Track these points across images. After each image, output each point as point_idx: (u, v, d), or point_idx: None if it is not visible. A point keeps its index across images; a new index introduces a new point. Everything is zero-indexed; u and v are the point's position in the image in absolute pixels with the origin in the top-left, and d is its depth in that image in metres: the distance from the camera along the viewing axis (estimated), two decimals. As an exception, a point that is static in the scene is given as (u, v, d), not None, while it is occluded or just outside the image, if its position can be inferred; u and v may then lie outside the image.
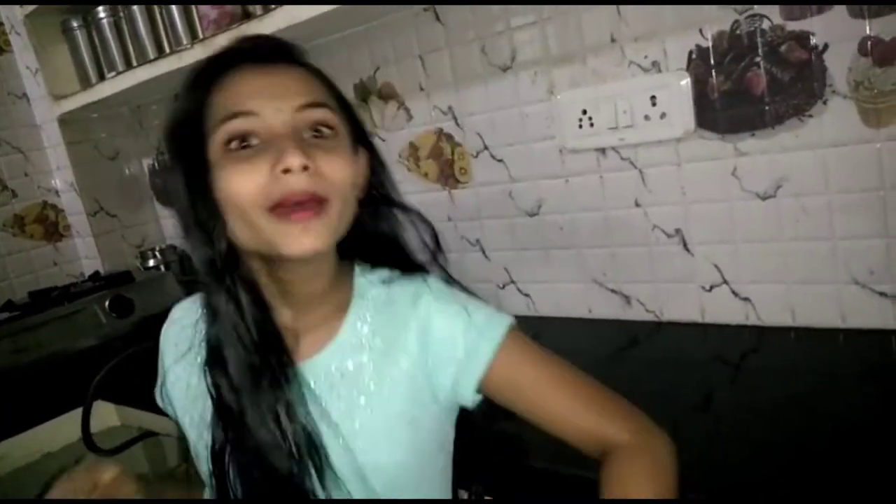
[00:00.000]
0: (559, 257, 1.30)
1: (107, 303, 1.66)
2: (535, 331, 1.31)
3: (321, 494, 0.67)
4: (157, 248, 2.01)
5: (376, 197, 0.74)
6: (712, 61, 1.05)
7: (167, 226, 2.15)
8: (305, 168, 0.61)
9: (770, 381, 0.95)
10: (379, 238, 0.75)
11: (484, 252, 1.41)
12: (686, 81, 1.07)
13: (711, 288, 1.14)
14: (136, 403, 1.41)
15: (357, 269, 0.75)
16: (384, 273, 0.74)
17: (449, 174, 1.41)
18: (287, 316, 0.71)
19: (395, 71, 1.41)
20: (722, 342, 1.10)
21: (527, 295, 1.37)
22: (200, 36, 1.42)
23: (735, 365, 1.03)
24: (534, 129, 1.25)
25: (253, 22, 1.27)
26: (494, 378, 0.68)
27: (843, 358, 0.99)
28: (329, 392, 0.69)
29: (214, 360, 0.70)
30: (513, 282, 1.39)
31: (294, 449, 0.66)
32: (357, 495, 0.68)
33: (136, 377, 1.41)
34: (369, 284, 0.73)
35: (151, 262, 1.98)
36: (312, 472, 0.66)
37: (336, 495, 0.68)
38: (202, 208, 0.65)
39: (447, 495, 0.77)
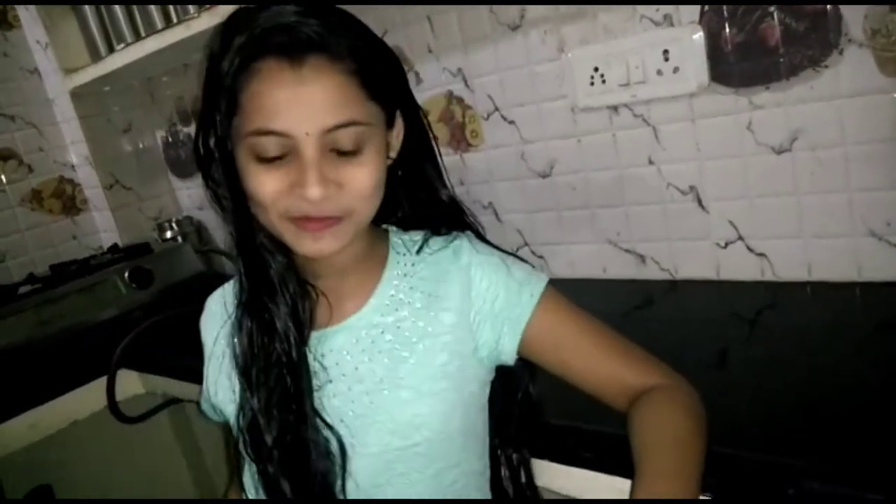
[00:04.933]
0: (572, 218, 1.30)
1: (126, 274, 1.68)
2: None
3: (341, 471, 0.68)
4: (174, 220, 2.03)
5: (413, 162, 0.74)
6: (725, 13, 1.02)
7: (182, 197, 2.16)
8: (324, 196, 0.62)
9: (786, 337, 0.94)
10: (414, 200, 0.76)
11: (497, 215, 1.41)
12: (699, 35, 1.05)
13: (726, 244, 1.13)
14: (159, 371, 1.44)
15: (392, 231, 0.77)
16: (419, 232, 0.75)
17: (460, 137, 1.40)
18: (324, 284, 0.72)
19: (404, 34, 1.40)
20: (737, 299, 1.10)
21: (540, 257, 1.38)
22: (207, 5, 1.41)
23: (751, 321, 1.03)
24: (545, 88, 1.24)
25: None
26: (535, 332, 0.70)
27: (860, 311, 0.98)
28: (372, 347, 0.70)
29: (241, 335, 0.72)
30: (526, 244, 1.39)
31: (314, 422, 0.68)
32: (401, 449, 0.69)
33: (158, 345, 1.45)
34: (405, 243, 0.75)
35: (168, 234, 2.00)
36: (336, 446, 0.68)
37: (370, 452, 0.69)
38: (233, 192, 0.67)
39: (487, 463, 0.78)
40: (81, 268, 1.74)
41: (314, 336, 0.72)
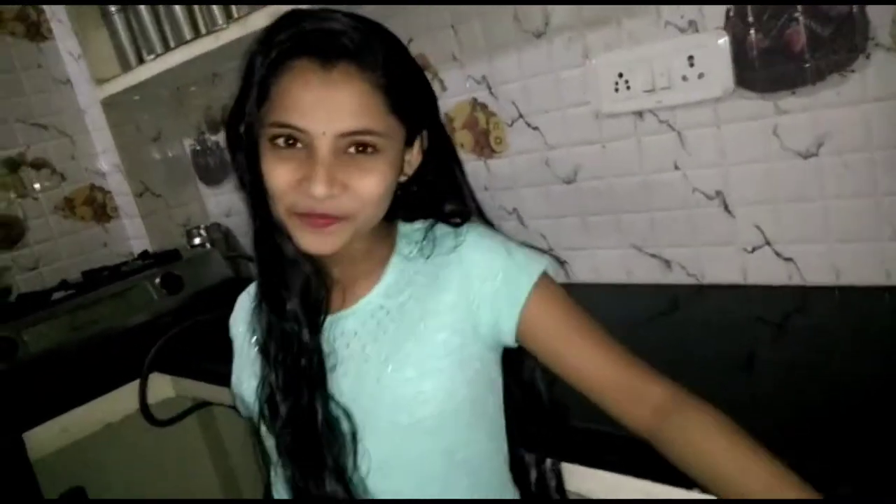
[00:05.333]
0: (597, 223, 1.30)
1: (157, 280, 1.71)
2: (573, 297, 1.33)
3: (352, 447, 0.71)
4: (203, 226, 2.06)
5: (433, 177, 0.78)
6: (750, 18, 1.03)
7: (210, 204, 2.20)
8: (328, 195, 0.65)
9: (814, 341, 0.94)
10: (426, 202, 0.79)
11: (521, 220, 1.42)
12: (724, 40, 1.05)
13: (753, 249, 1.13)
14: (190, 374, 1.46)
15: (400, 222, 0.80)
16: (423, 222, 0.79)
17: (484, 144, 1.41)
18: (337, 271, 0.76)
19: (428, 42, 1.41)
20: (765, 303, 1.10)
21: (565, 262, 1.38)
22: (235, 15, 1.44)
23: (778, 325, 1.03)
24: (569, 94, 1.25)
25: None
26: (532, 314, 0.71)
27: (888, 315, 0.98)
28: (378, 329, 0.73)
29: (260, 326, 0.76)
30: (551, 249, 1.39)
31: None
32: (409, 426, 0.71)
33: (189, 350, 1.48)
34: (412, 231, 0.78)
35: (197, 240, 2.03)
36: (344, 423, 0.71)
37: (380, 429, 0.71)
38: (253, 179, 0.71)
39: (502, 446, 0.79)
40: (113, 274, 1.78)
41: (328, 320, 0.75)
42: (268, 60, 0.67)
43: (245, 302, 0.87)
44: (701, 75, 1.08)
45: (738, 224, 1.13)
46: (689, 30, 1.09)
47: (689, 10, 1.07)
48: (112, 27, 1.84)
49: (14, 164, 1.99)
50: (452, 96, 1.42)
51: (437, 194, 0.79)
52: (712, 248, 1.17)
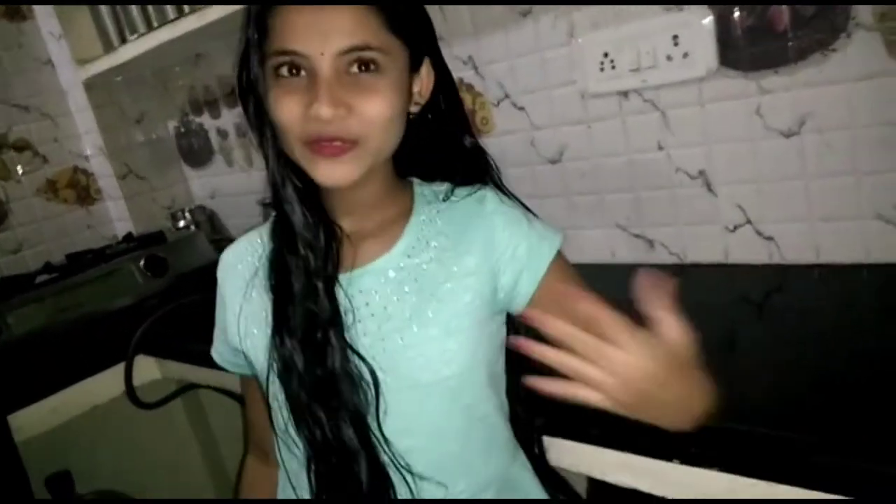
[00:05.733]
0: (582, 203, 1.31)
1: (141, 262, 1.70)
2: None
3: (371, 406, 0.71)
4: (187, 209, 2.05)
5: (437, 112, 0.77)
6: (734, -2, 1.03)
7: (195, 186, 2.18)
8: (334, 116, 0.64)
9: (795, 319, 0.96)
10: (438, 151, 0.79)
11: (507, 201, 1.42)
12: (708, 19, 1.06)
13: (735, 228, 1.14)
14: (176, 357, 1.46)
15: (416, 181, 0.80)
16: (443, 184, 0.79)
17: (472, 123, 1.41)
18: (347, 223, 0.75)
19: (414, 22, 1.41)
20: (746, 282, 1.11)
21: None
22: (219, -7, 1.42)
23: (759, 304, 1.05)
24: (555, 74, 1.25)
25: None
26: (549, 282, 0.73)
27: (868, 293, 0.99)
28: (400, 287, 0.73)
29: (275, 273, 0.74)
30: (536, 229, 1.40)
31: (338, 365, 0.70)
32: (432, 384, 0.71)
33: (174, 332, 1.48)
34: (431, 192, 0.78)
35: (182, 223, 2.02)
36: (368, 392, 0.70)
37: (402, 388, 0.71)
38: (266, 125, 0.71)
39: (506, 403, 0.80)
40: (97, 257, 1.77)
41: (344, 277, 0.74)
42: (264, 9, 0.68)
43: (233, 260, 0.84)
44: (685, 55, 1.09)
45: (720, 203, 1.14)
46: (673, 8, 1.09)
47: (674, -10, 1.08)
48: (94, 7, 1.82)
49: (-4, 145, 1.97)
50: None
51: (448, 127, 0.78)
52: (695, 228, 1.18)
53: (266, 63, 0.68)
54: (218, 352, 0.88)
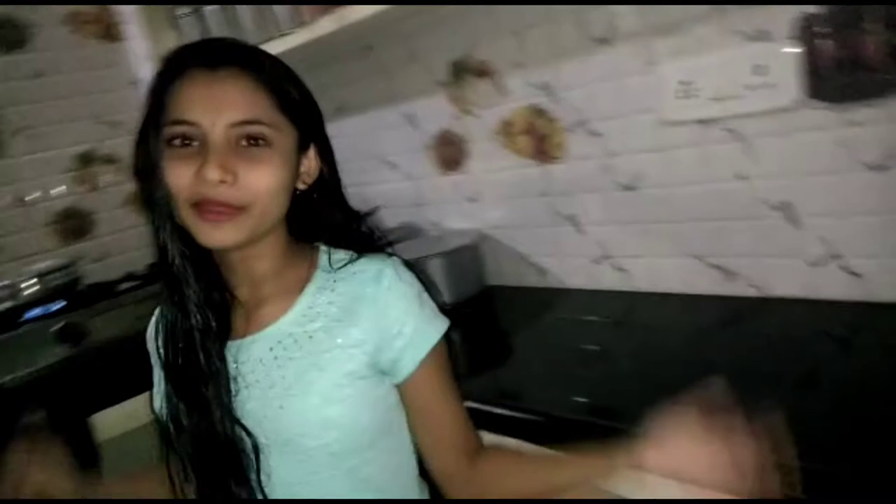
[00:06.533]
0: (657, 231, 1.29)
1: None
2: (630, 305, 1.33)
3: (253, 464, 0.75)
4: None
5: (325, 190, 0.81)
6: (822, 28, 1.01)
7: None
8: (223, 181, 0.68)
9: (881, 358, 0.92)
10: (336, 222, 0.82)
11: (578, 227, 1.42)
12: (794, 50, 1.04)
13: (819, 262, 1.11)
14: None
15: (322, 248, 0.82)
16: (348, 253, 0.81)
17: (543, 150, 1.42)
18: (243, 291, 0.79)
19: (491, 48, 1.43)
20: (831, 318, 1.07)
21: (622, 270, 1.38)
22: (306, 20, 1.47)
23: (844, 341, 1.01)
24: (633, 101, 1.25)
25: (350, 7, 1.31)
26: (422, 370, 0.77)
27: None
28: (284, 355, 0.76)
29: (168, 338, 0.78)
30: (608, 257, 1.39)
31: (223, 426, 0.74)
32: (313, 449, 0.74)
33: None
34: (333, 261, 0.80)
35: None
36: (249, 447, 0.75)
37: (285, 452, 0.74)
38: (158, 191, 0.73)
39: (409, 459, 0.83)
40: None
41: (234, 345, 0.77)
42: (160, 75, 0.72)
43: (155, 323, 0.86)
44: (769, 85, 1.07)
45: (805, 236, 1.11)
46: (758, 39, 1.07)
47: (759, 19, 1.06)
48: (182, 31, 1.90)
49: (86, 160, 2.08)
50: (512, 102, 1.43)
51: (336, 206, 0.82)
52: (776, 260, 1.15)
53: (161, 133, 0.71)
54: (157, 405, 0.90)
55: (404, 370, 0.76)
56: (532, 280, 1.57)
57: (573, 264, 1.47)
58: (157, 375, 0.84)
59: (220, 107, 0.69)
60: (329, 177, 0.81)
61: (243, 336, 0.78)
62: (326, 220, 0.82)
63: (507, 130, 1.47)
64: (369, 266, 0.78)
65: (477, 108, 1.50)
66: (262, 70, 0.72)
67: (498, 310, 1.58)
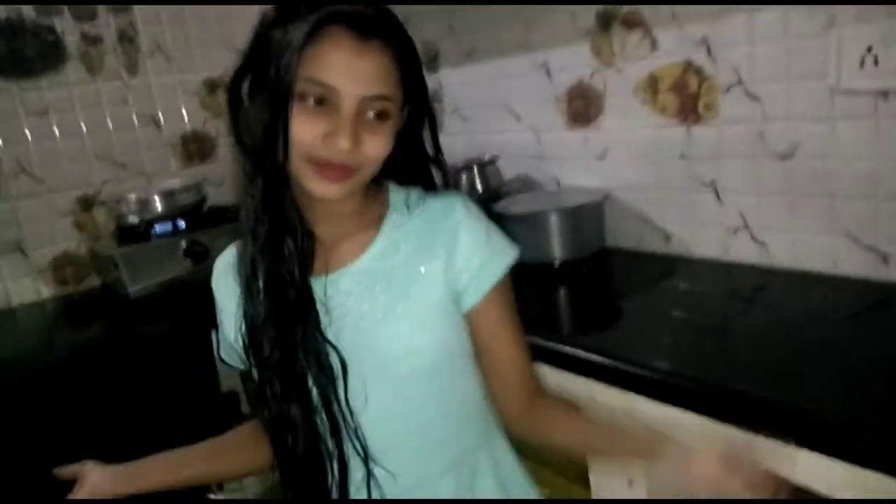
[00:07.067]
0: (809, 206, 1.23)
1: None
2: (764, 281, 1.27)
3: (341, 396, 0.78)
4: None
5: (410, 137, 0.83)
6: None
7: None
8: (351, 149, 0.72)
9: None
10: (413, 162, 0.85)
11: (717, 194, 1.36)
12: None
13: None
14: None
15: (392, 188, 0.86)
16: (417, 190, 0.85)
17: (690, 109, 1.36)
18: (325, 229, 0.82)
19: (645, -2, 1.37)
20: None
21: (762, 243, 1.32)
22: None
23: None
24: (802, 64, 1.17)
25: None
26: (486, 303, 0.80)
27: None
28: (371, 288, 0.80)
29: (251, 277, 0.79)
30: (747, 227, 1.33)
31: (308, 359, 0.78)
32: (405, 374, 0.79)
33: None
34: (405, 199, 0.84)
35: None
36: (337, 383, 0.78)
37: (380, 379, 0.78)
38: (280, 128, 0.73)
39: (481, 385, 0.86)
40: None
41: (319, 280, 0.80)
42: (306, 25, 0.71)
43: (224, 268, 0.88)
44: (969, 56, 0.98)
45: (985, 225, 1.03)
46: (965, 4, 0.98)
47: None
48: None
49: (213, 85, 2.13)
50: (664, 56, 1.37)
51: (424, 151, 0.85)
52: (946, 248, 1.08)
53: (296, 85, 0.72)
54: (224, 351, 0.93)
55: (469, 300, 0.80)
56: (654, 245, 1.52)
57: (704, 232, 1.41)
58: (226, 322, 0.86)
59: (362, 80, 0.72)
60: (417, 131, 0.84)
61: (326, 272, 0.81)
62: (403, 163, 0.84)
63: (651, 87, 1.41)
64: (439, 202, 0.83)
65: (622, 61, 1.45)
66: (400, 46, 0.75)
67: (614, 271, 1.55)
